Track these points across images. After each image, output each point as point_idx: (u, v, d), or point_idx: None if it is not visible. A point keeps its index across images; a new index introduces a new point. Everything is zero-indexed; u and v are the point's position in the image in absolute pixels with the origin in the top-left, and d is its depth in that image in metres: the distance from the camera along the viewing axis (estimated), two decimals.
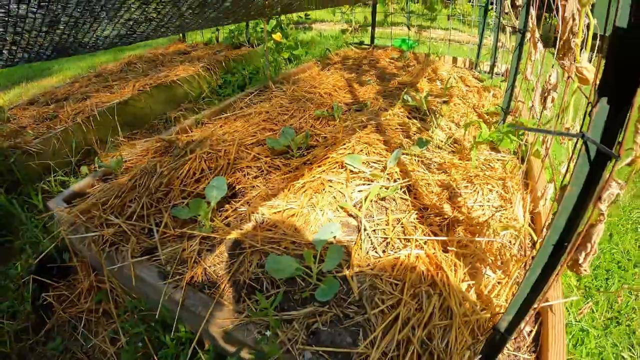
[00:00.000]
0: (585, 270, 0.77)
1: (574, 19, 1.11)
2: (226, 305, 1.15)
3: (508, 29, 3.23)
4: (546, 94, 1.40)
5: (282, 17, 4.21)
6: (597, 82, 0.63)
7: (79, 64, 5.78)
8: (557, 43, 1.36)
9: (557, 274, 0.78)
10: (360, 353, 1.01)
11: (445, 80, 3.09)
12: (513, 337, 0.95)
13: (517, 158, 2.10)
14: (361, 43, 4.16)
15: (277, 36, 3.97)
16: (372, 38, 4.02)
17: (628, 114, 0.59)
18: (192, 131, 2.24)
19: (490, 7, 3.65)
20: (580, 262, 0.75)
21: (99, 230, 1.50)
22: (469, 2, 5.63)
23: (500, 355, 0.98)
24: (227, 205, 1.52)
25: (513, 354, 1.06)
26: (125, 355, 1.41)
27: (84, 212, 1.63)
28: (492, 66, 3.38)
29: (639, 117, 0.65)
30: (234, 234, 1.33)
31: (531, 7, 2.14)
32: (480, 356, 0.96)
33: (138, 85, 3.18)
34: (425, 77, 3.13)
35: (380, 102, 2.51)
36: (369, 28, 4.35)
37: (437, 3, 3.52)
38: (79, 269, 1.89)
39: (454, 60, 3.82)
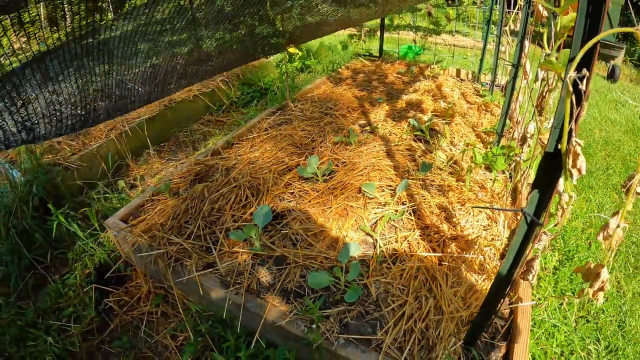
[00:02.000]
0: (531, 280, 1.30)
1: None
2: (278, 307, 1.68)
3: (509, 41, 3.73)
4: (523, 141, 1.93)
5: None
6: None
7: None
8: (536, 99, 1.90)
9: (511, 287, 1.32)
10: (378, 339, 1.54)
11: (448, 99, 3.62)
12: (486, 329, 1.49)
13: (507, 178, 2.63)
14: (370, 54, 4.67)
15: (292, 49, 4.48)
16: (381, 51, 4.54)
17: (549, 198, 1.11)
18: (223, 151, 2.77)
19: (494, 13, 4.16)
20: (529, 278, 1.28)
21: (164, 248, 2.03)
22: (474, 4, 6.12)
23: (478, 342, 1.53)
24: (270, 227, 2.04)
25: (490, 342, 1.59)
26: (188, 348, 1.94)
27: (145, 232, 2.16)
28: (493, 82, 3.90)
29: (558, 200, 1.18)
30: (279, 251, 1.86)
31: (525, 40, 2.65)
32: (462, 342, 1.50)
33: (164, 100, 3.69)
34: (430, 95, 3.65)
35: (389, 124, 3.03)
36: (377, 32, 4.84)
37: (442, 19, 4.00)
38: (134, 278, 2.42)
39: (458, 72, 4.33)
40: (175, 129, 3.72)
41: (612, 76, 6.19)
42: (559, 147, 1.01)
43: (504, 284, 1.29)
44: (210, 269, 1.88)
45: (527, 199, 1.15)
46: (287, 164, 2.45)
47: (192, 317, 2.03)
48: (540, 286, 2.35)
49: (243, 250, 1.90)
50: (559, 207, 1.21)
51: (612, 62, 6.16)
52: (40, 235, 2.69)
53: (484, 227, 2.11)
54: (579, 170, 1.00)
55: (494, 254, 1.93)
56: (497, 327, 1.65)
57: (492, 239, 2.04)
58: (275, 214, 2.10)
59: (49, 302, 2.32)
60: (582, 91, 0.92)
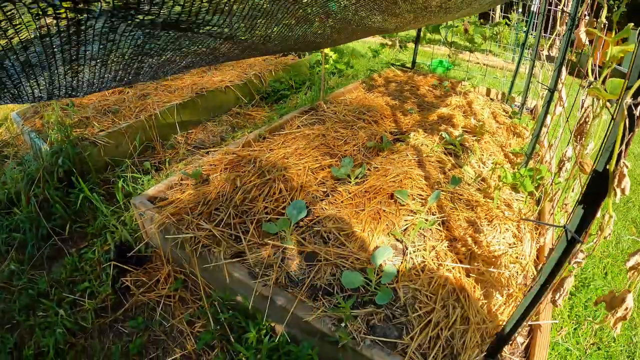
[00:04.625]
0: (559, 305, 1.33)
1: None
2: (306, 302, 1.70)
3: (543, 66, 3.76)
4: (561, 164, 1.96)
5: None
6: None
7: None
8: (576, 124, 1.93)
9: (541, 304, 1.34)
10: (403, 343, 1.56)
11: (478, 116, 3.65)
12: (509, 344, 1.51)
13: (534, 200, 2.66)
14: (402, 65, 4.72)
15: (328, 49, 4.54)
16: (414, 62, 4.59)
17: (593, 216, 1.14)
18: (254, 144, 2.81)
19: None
20: (556, 299, 1.31)
21: (192, 232, 2.06)
22: (507, 25, 6.19)
23: (499, 355, 1.55)
24: (302, 223, 2.07)
25: (509, 357, 1.61)
26: (205, 335, 1.96)
27: (174, 214, 2.19)
28: (523, 104, 3.93)
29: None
30: (310, 248, 1.88)
31: (563, 67, 2.69)
32: (485, 353, 1.52)
33: (195, 88, 3.76)
34: (461, 111, 3.69)
35: (421, 134, 3.06)
36: (409, 43, 4.92)
37: (478, 37, 4.04)
38: (154, 260, 2.45)
39: (488, 91, 4.37)
40: (204, 118, 3.77)
41: None
42: (607, 167, 1.06)
43: (536, 298, 1.31)
44: (239, 259, 1.91)
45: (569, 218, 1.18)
46: (320, 163, 2.49)
47: (212, 305, 2.05)
48: (556, 310, 2.39)
49: (274, 243, 1.93)
50: (599, 227, 1.25)
51: None
52: (61, 207, 2.73)
53: (510, 244, 2.13)
54: (623, 190, 1.05)
55: (518, 272, 1.95)
56: (517, 343, 1.67)
57: (517, 257, 2.06)
58: (308, 210, 2.13)
59: (64, 275, 2.36)
60: (636, 116, 0.98)
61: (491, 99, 4.32)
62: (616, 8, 1.94)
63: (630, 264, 1.22)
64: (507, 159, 3.10)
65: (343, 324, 1.57)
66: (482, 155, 3.04)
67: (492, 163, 2.94)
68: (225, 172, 2.45)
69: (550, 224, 1.41)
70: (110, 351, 1.97)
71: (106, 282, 2.26)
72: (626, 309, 1.28)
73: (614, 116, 1.04)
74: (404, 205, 2.20)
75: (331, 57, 4.58)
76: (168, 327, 2.10)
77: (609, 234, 1.30)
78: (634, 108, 1.00)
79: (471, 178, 2.70)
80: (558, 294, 1.26)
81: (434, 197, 2.19)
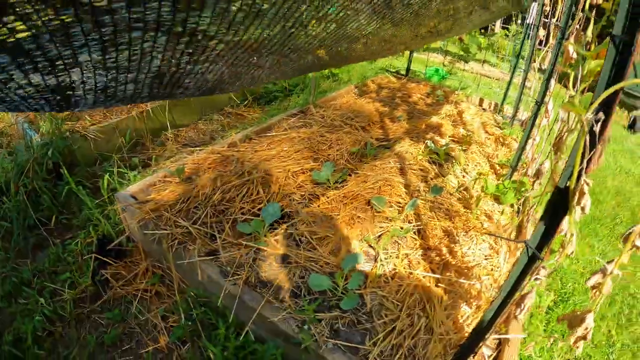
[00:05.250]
0: (520, 319, 1.34)
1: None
2: (273, 303, 1.72)
3: (535, 78, 3.77)
4: (535, 178, 1.97)
5: None
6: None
7: None
8: (554, 139, 1.94)
9: (503, 318, 1.35)
10: (365, 349, 1.58)
11: (468, 126, 3.67)
12: (473, 356, 1.52)
13: (515, 212, 2.67)
14: (397, 72, 4.74)
15: (321, 52, 4.54)
16: (408, 69, 4.61)
17: (554, 233, 1.15)
18: (240, 145, 2.83)
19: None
20: (517, 314, 1.32)
21: (169, 229, 2.08)
22: (506, 37, 6.20)
23: None
24: (276, 225, 2.09)
25: None
26: (177, 330, 1.98)
27: (154, 210, 2.21)
28: (514, 116, 3.94)
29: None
30: (282, 250, 1.90)
31: (552, 80, 2.70)
32: None
33: None
34: (450, 120, 3.70)
35: (407, 142, 3.08)
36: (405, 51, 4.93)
37: (473, 47, 4.06)
38: (134, 254, 2.48)
39: (481, 101, 4.38)
40: (196, 116, 3.80)
41: (632, 126, 6.26)
42: (568, 185, 1.06)
43: (497, 312, 1.32)
44: (212, 257, 1.93)
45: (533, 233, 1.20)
46: (301, 167, 2.51)
47: (186, 301, 2.07)
48: (532, 323, 2.38)
49: (247, 243, 1.95)
50: (561, 244, 1.25)
51: (635, 112, 6.21)
52: (49, 197, 2.76)
53: (485, 256, 2.15)
54: (583, 209, 1.05)
55: (491, 284, 1.96)
56: (484, 356, 1.68)
57: (492, 269, 2.07)
58: (284, 213, 2.15)
59: (47, 264, 2.39)
60: (597, 133, 0.98)
61: (484, 109, 4.34)
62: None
63: (590, 282, 1.21)
64: (493, 170, 3.11)
65: (306, 327, 1.58)
66: (467, 165, 3.05)
67: (476, 173, 2.96)
68: (208, 171, 2.48)
69: (509, 239, 1.42)
70: (86, 341, 2.00)
71: (86, 274, 2.29)
72: (586, 328, 1.28)
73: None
74: (380, 212, 2.21)
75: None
76: (143, 321, 2.12)
77: (572, 252, 1.30)
78: (594, 124, 0.99)
79: (454, 188, 2.71)
80: (519, 309, 1.27)
81: (411, 206, 2.21)
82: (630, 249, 1.21)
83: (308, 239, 1.99)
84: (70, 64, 0.54)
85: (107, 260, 2.32)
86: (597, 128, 0.98)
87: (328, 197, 2.28)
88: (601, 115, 0.98)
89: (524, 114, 4.16)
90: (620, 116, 6.91)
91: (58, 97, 0.68)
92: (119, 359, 1.96)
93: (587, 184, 1.05)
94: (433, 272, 1.93)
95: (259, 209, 2.11)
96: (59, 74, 0.56)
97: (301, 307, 1.66)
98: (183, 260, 1.95)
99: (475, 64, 5.76)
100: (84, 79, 0.62)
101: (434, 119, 3.60)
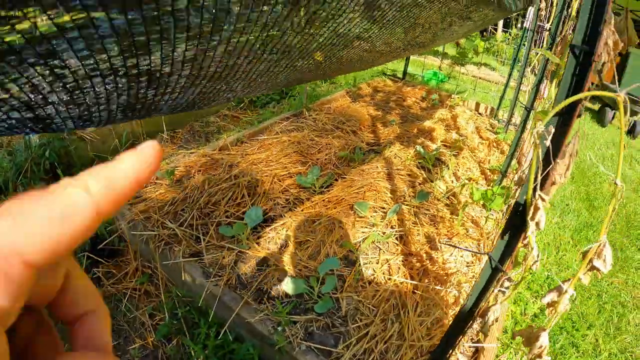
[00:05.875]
0: (485, 332, 1.38)
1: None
2: (251, 305, 1.77)
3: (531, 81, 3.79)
4: (519, 182, 2.00)
5: None
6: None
7: None
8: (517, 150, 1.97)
9: (467, 328, 1.39)
10: (338, 352, 1.62)
11: (461, 131, 3.69)
12: None
13: (501, 218, 2.70)
14: (394, 75, 4.78)
15: (319, 57, 4.59)
16: (404, 73, 4.65)
17: (514, 246, 1.19)
18: (231, 148, 2.89)
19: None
20: (482, 328, 1.36)
21: (157, 230, 2.14)
22: (504, 41, 6.20)
23: None
24: (259, 228, 2.15)
25: None
26: (163, 328, 2.05)
27: (142, 212, 2.28)
28: (508, 121, 3.96)
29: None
30: (263, 253, 1.96)
31: (542, 85, 2.72)
32: None
33: None
34: (443, 124, 3.74)
35: (397, 146, 3.12)
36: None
37: (469, 51, 4.08)
38: (125, 254, 2.54)
39: (477, 106, 4.40)
40: (191, 118, 3.87)
41: (632, 131, 6.27)
42: (525, 199, 1.10)
43: (463, 321, 1.36)
44: (196, 258, 1.99)
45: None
46: (289, 171, 2.56)
47: (171, 299, 2.13)
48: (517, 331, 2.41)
49: (229, 246, 2.00)
50: (525, 258, 1.29)
51: (634, 117, 6.20)
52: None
53: (467, 263, 2.18)
54: (537, 224, 1.08)
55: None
56: None
57: (473, 276, 2.10)
58: (267, 217, 2.20)
59: None
60: (548, 146, 1.00)
61: (479, 113, 4.36)
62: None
63: (546, 300, 1.23)
64: (483, 176, 3.14)
65: (280, 328, 1.63)
66: (458, 170, 3.08)
67: (466, 179, 2.99)
68: (198, 174, 2.53)
69: (473, 251, 1.46)
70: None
71: None
72: (540, 347, 1.30)
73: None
74: (362, 217, 2.25)
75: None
76: (131, 318, 2.18)
77: (535, 265, 1.33)
78: (546, 135, 1.02)
79: (441, 193, 2.74)
80: (481, 320, 1.31)
81: (393, 211, 2.25)
82: (587, 269, 1.24)
83: (288, 243, 2.04)
84: (42, 104, 0.59)
85: (99, 259, 2.38)
86: (547, 141, 1.01)
87: (312, 202, 2.33)
88: (551, 128, 1.01)
89: (519, 119, 4.17)
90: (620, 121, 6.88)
91: (39, 125, 0.74)
92: None
93: (543, 199, 1.08)
94: (412, 278, 1.97)
95: (243, 213, 2.16)
96: (35, 110, 0.61)
97: (277, 309, 1.70)
98: (169, 261, 2.01)
99: (475, 68, 5.78)
100: (59, 111, 0.67)
101: (427, 123, 3.63)
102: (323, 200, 2.35)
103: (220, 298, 1.80)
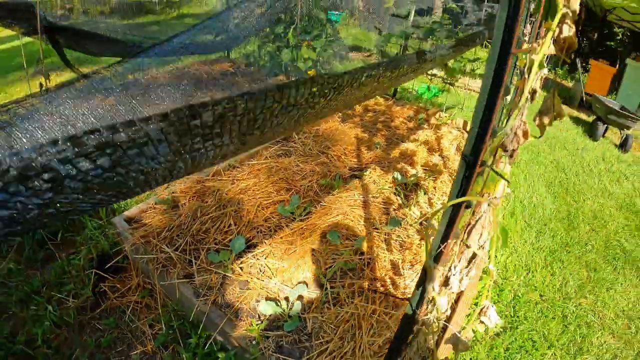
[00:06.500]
0: None
1: None
2: (233, 321, 2.29)
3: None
4: None
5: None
6: None
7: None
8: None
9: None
10: None
11: (444, 152, 4.17)
12: None
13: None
14: (385, 93, 5.25)
15: (312, 72, 5.09)
16: (395, 92, 5.13)
17: (424, 299, 1.68)
18: (224, 173, 3.40)
19: None
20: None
21: (155, 254, 2.67)
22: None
23: None
24: (243, 254, 2.66)
25: None
26: (160, 337, 2.57)
27: (143, 237, 2.80)
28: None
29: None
30: (244, 277, 2.47)
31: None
32: None
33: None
34: (426, 146, 4.22)
35: (377, 173, 3.62)
36: None
37: (457, 72, 4.51)
38: (129, 270, 3.07)
39: (465, 124, 4.87)
40: None
41: (624, 145, 6.61)
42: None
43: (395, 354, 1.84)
44: (188, 279, 2.51)
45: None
46: (272, 199, 3.07)
47: (168, 313, 2.65)
48: (474, 348, 2.79)
49: (216, 270, 2.52)
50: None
51: (626, 131, 6.55)
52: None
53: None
54: (433, 288, 1.57)
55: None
56: None
57: (431, 299, 2.60)
58: (250, 244, 2.72)
59: (54, 276, 2.97)
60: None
61: (467, 131, 4.81)
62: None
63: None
64: None
65: (255, 342, 2.15)
66: (434, 195, 3.56)
67: (441, 204, 3.46)
68: (192, 199, 3.05)
69: (395, 296, 1.95)
70: (87, 343, 2.56)
71: (87, 286, 2.87)
72: None
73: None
74: (333, 245, 2.76)
75: None
76: (134, 327, 2.70)
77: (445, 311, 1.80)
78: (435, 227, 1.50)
79: (415, 219, 3.23)
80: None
81: (361, 241, 2.75)
82: (475, 320, 1.74)
83: (267, 268, 2.56)
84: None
85: (106, 275, 2.91)
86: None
87: (291, 229, 2.84)
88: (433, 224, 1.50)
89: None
90: (614, 133, 7.26)
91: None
92: (112, 358, 2.54)
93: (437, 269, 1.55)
94: (373, 302, 2.47)
95: (229, 241, 2.68)
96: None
97: (253, 326, 2.22)
98: (165, 281, 2.53)
99: (470, 79, 6.21)
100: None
101: (410, 146, 4.12)
102: (301, 229, 2.86)
103: (207, 314, 2.32)
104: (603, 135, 7.08)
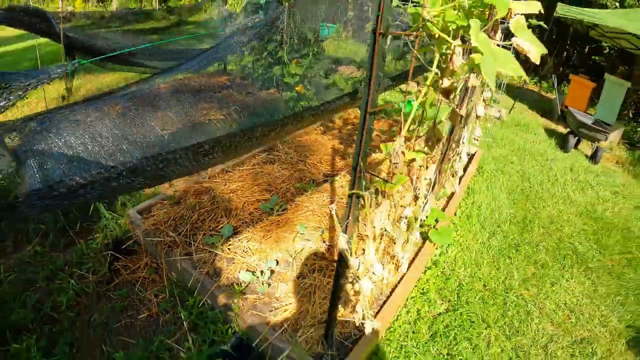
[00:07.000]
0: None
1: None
2: (220, 287, 3.23)
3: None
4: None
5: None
6: None
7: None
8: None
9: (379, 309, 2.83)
10: (269, 318, 3.09)
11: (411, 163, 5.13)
12: (332, 333, 3.00)
13: None
14: None
15: (300, 88, 6.04)
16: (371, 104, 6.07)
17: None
18: (218, 176, 4.36)
19: None
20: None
21: (163, 237, 3.62)
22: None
23: (333, 339, 3.02)
24: (231, 239, 3.61)
25: (342, 341, 3.09)
26: (164, 303, 3.50)
27: (153, 224, 3.75)
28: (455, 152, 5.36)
29: None
30: (231, 255, 3.43)
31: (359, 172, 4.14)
32: (321, 334, 3.03)
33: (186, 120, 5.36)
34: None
35: (346, 179, 4.57)
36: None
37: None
38: (139, 253, 4.01)
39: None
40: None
41: (594, 157, 7.47)
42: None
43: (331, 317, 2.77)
44: (188, 256, 3.46)
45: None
46: (256, 198, 4.03)
47: (171, 284, 3.56)
48: (417, 325, 3.47)
49: (210, 250, 3.47)
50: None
51: (596, 143, 7.42)
52: (76, 209, 4.32)
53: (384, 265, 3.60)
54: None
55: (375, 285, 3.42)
56: (352, 335, 3.12)
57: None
58: (237, 231, 3.67)
59: (75, 257, 3.86)
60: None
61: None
62: None
63: None
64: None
65: (237, 301, 3.10)
66: (391, 197, 4.50)
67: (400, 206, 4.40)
68: (192, 197, 4.02)
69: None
70: (103, 308, 3.47)
71: (104, 265, 3.77)
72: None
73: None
74: (302, 234, 3.71)
75: (305, 93, 6.09)
76: (142, 297, 3.58)
77: (357, 268, 2.74)
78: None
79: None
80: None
81: (323, 231, 3.70)
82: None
83: (248, 249, 3.52)
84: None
85: (120, 256, 3.85)
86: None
87: (269, 221, 3.80)
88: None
89: (471, 149, 5.58)
90: (587, 145, 8.10)
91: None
92: (124, 320, 3.46)
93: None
94: (328, 276, 3.41)
95: (221, 228, 3.63)
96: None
97: (235, 290, 3.17)
98: (170, 258, 3.48)
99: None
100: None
101: (379, 156, 5.07)
102: (277, 221, 3.81)
103: (202, 282, 3.26)
104: (575, 147, 7.93)
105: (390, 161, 2.40)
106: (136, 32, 7.73)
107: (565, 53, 11.75)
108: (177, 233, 3.63)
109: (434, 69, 2.06)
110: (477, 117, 4.52)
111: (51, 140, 3.02)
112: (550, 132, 9.02)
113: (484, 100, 4.44)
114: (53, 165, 2.94)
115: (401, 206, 3.14)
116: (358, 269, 2.47)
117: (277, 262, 3.41)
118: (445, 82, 2.26)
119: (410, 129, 2.41)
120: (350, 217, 2.28)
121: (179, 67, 4.41)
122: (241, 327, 3.01)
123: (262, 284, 3.22)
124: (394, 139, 5.08)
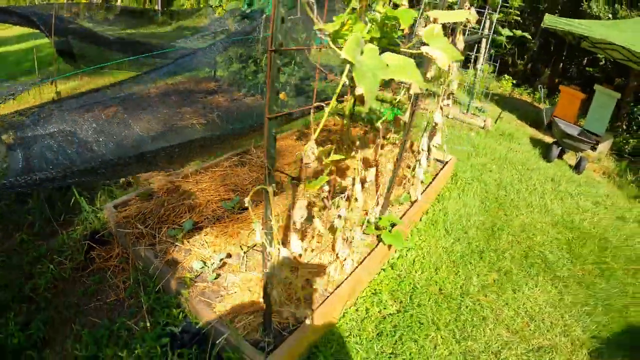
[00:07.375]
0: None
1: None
2: (176, 275, 3.76)
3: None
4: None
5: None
6: None
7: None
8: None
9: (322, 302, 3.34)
10: (214, 305, 3.60)
11: (380, 168, 5.59)
12: (269, 324, 3.51)
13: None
14: (342, 115, 6.70)
15: (283, 95, 6.57)
16: (352, 113, 6.58)
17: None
18: (191, 176, 4.91)
19: None
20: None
21: (131, 229, 4.16)
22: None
23: (271, 328, 3.53)
24: (191, 232, 4.14)
25: (280, 331, 3.59)
26: (129, 289, 4.04)
27: (125, 217, 4.30)
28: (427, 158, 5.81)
29: None
30: (188, 247, 3.95)
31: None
32: (260, 323, 3.55)
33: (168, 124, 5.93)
34: (362, 162, 5.64)
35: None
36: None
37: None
38: (112, 242, 4.57)
39: (412, 144, 6.26)
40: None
41: (578, 167, 7.82)
42: None
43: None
44: (152, 247, 3.99)
45: None
46: (221, 197, 4.56)
47: (136, 271, 4.10)
48: (363, 323, 3.82)
49: (171, 241, 4.01)
50: None
51: (580, 153, 7.75)
52: (60, 202, 4.92)
53: (330, 262, 4.09)
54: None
55: (320, 283, 3.92)
56: (290, 326, 3.60)
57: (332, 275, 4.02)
58: (198, 226, 4.21)
59: (56, 246, 4.38)
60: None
61: (413, 151, 6.20)
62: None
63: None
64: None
65: (189, 290, 3.63)
66: (356, 201, 4.98)
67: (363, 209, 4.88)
68: (164, 194, 4.57)
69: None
70: (77, 292, 4.02)
71: (81, 253, 4.31)
72: None
73: None
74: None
75: (287, 101, 6.61)
76: (112, 283, 4.11)
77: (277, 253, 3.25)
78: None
79: (331, 219, 4.66)
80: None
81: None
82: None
83: (205, 242, 4.05)
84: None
85: (95, 246, 4.41)
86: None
87: (229, 219, 4.31)
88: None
89: (447, 156, 6.05)
90: (572, 155, 8.40)
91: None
92: (94, 303, 3.99)
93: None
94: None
95: (183, 222, 4.17)
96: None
97: (188, 277, 3.70)
98: (136, 247, 4.03)
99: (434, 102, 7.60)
100: None
101: (348, 162, 5.56)
102: (236, 219, 4.33)
103: (161, 270, 3.79)
104: (560, 158, 8.26)
105: (302, 161, 2.84)
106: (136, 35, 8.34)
107: (561, 64, 12.05)
108: (145, 226, 4.16)
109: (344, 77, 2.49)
110: (435, 124, 4.98)
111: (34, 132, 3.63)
112: (536, 142, 9.34)
113: (441, 108, 4.90)
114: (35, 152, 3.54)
115: (337, 207, 3.60)
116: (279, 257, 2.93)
117: (230, 255, 3.92)
118: (358, 90, 2.74)
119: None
120: (266, 210, 2.75)
121: (161, 68, 4.96)
122: (191, 312, 3.52)
123: (212, 272, 3.74)
124: (370, 146, 5.54)
